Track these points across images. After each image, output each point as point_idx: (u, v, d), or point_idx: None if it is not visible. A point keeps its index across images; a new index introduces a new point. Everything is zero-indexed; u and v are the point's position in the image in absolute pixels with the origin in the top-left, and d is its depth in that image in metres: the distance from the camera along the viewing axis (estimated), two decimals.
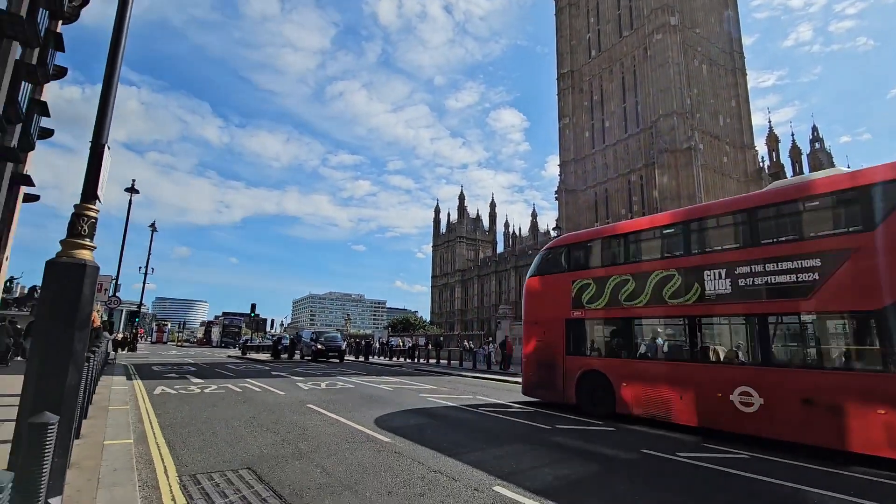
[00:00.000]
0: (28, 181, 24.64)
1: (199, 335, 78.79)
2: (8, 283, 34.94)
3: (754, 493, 5.06)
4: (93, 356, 6.53)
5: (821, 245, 7.10)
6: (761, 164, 53.40)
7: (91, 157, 3.96)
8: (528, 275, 12.22)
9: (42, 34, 21.69)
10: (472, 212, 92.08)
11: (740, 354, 8.02)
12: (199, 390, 12.06)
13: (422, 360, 30.45)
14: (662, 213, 10.86)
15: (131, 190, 22.12)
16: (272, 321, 68.84)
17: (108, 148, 4.04)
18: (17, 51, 19.28)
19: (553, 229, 35.82)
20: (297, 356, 30.25)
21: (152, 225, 35.72)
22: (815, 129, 72.42)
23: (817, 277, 6.90)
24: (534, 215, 79.46)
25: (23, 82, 20.17)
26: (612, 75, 50.32)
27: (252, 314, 42.54)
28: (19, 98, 19.81)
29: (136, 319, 41.45)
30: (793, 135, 70.89)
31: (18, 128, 21.20)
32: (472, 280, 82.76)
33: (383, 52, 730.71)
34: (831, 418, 6.49)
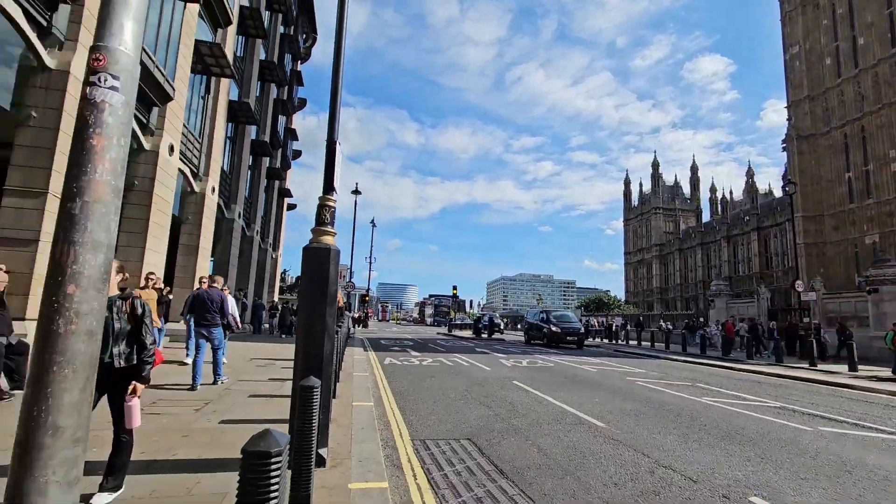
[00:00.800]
0: (288, 194, 31.71)
1: (415, 314, 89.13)
2: (283, 274, 45.34)
3: None
4: (339, 329, 7.85)
5: None
6: None
7: (327, 155, 4.54)
8: None
9: (288, 75, 27.40)
10: (667, 179, 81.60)
11: None
12: (417, 362, 13.52)
13: (620, 342, 28.40)
14: None
15: (356, 192, 26.24)
16: (470, 302, 74.39)
17: (339, 144, 4.56)
18: (273, 91, 24.71)
19: (783, 186, 28.54)
20: (496, 335, 31.68)
21: (372, 221, 41.65)
22: None
23: None
24: (749, 174, 66.06)
25: (279, 115, 25.76)
26: None
27: (453, 296, 46.35)
28: (278, 128, 25.38)
29: (366, 301, 49.87)
30: None
31: (279, 152, 27.14)
32: (671, 255, 73.67)
33: (559, 26, 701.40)
34: None
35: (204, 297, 7.66)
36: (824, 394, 10.56)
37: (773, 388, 10.92)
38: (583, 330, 23.77)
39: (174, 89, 11.38)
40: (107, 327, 3.23)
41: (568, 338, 21.85)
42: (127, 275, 3.87)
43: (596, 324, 38.78)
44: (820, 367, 15.24)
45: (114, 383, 3.35)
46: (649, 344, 26.60)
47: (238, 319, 9.82)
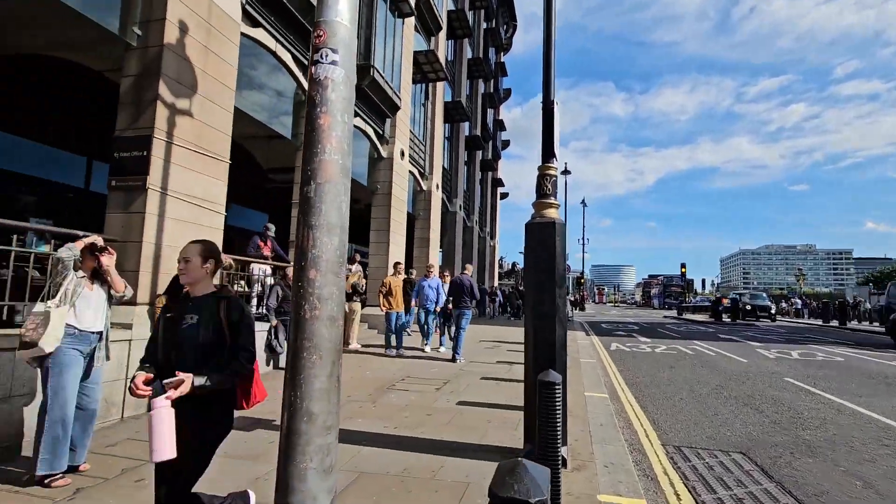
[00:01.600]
0: (501, 183, 32.84)
1: (637, 296, 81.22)
2: (500, 261, 47.48)
3: None
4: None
5: None
6: None
7: (544, 118, 4.04)
8: None
9: (493, 68, 28.17)
10: None
11: None
12: (649, 349, 11.97)
13: None
14: None
15: (565, 172, 25.26)
16: (702, 281, 63.71)
17: (557, 104, 4.01)
18: (481, 86, 25.72)
19: None
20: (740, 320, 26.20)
21: (583, 201, 39.78)
22: None
23: None
24: None
25: (487, 109, 26.71)
26: None
27: (682, 275, 40.54)
28: (487, 121, 26.34)
29: (581, 284, 48.21)
30: None
31: (490, 144, 28.20)
32: None
33: None
34: None
35: (460, 283, 9.01)
36: None
37: None
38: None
39: (400, 99, 12.73)
40: None
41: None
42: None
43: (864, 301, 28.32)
44: None
45: None
46: None
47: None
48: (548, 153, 4.06)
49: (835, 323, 24.24)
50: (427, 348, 9.41)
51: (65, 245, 3.45)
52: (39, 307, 3.31)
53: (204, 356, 2.15)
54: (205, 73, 5.93)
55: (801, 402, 6.26)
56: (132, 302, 5.02)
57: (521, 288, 29.51)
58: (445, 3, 17.40)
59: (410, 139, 14.98)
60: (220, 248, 6.69)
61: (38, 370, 3.33)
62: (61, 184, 9.05)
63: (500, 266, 45.12)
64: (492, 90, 27.76)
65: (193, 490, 2.18)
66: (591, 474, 3.55)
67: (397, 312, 9.14)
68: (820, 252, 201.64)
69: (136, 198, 5.17)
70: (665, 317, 32.53)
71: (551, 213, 3.95)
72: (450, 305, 9.11)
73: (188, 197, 5.67)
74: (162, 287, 5.20)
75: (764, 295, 31.67)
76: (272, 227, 8.35)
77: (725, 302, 27.38)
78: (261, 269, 7.97)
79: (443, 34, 17.52)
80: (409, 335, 11.11)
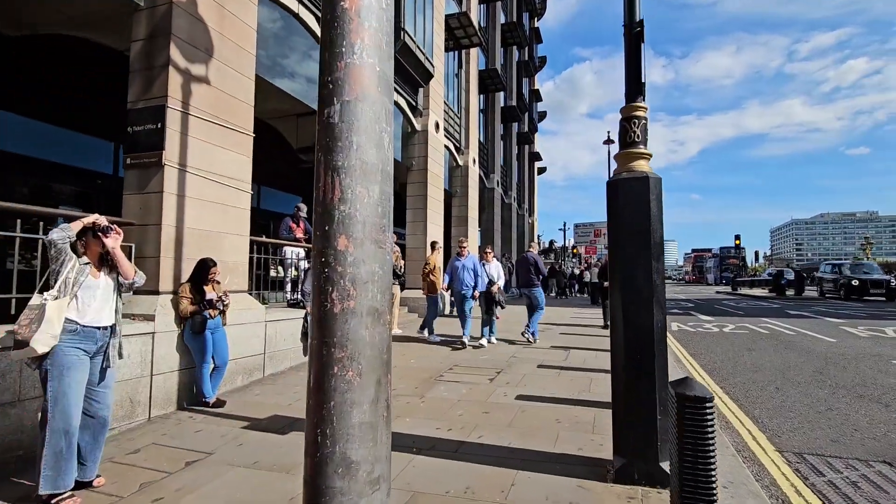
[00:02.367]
0: (538, 157, 31.43)
1: (687, 270, 74.57)
2: (538, 239, 46.17)
3: None
4: None
5: None
6: None
7: (628, 45, 3.17)
8: None
9: (528, 33, 26.59)
10: None
11: None
12: (716, 329, 10.86)
13: None
14: None
15: (608, 142, 23.70)
16: (755, 253, 59.63)
17: (643, 25, 3.11)
18: (515, 54, 24.32)
19: None
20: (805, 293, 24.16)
21: None
22: None
23: None
24: None
25: (523, 78, 25.30)
26: None
27: (736, 247, 38.10)
28: (523, 91, 24.98)
29: None
30: None
31: (525, 116, 26.85)
32: None
33: None
34: None
35: (524, 260, 8.51)
36: None
37: None
38: None
39: (434, 67, 11.86)
40: None
41: None
42: None
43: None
44: None
45: None
46: None
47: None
48: (634, 89, 3.18)
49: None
50: (465, 339, 7.69)
51: (58, 226, 2.92)
52: (36, 299, 2.81)
53: None
54: (221, 35, 5.31)
55: None
56: (155, 290, 4.57)
57: (567, 267, 28.45)
58: None
59: (445, 111, 14.12)
60: (249, 230, 6.22)
61: (38, 373, 2.85)
62: (90, 170, 8.84)
63: (539, 244, 43.80)
64: (526, 58, 26.25)
65: None
66: None
67: (440, 294, 8.51)
68: (883, 218, 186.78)
69: (153, 176, 4.66)
70: (718, 292, 30.69)
71: (641, 165, 3.11)
72: (496, 287, 7.89)
73: (209, 174, 5.13)
74: (186, 274, 4.72)
75: (874, 265, 24.72)
76: (304, 208, 7.81)
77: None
78: (294, 253, 7.46)
79: None
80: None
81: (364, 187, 1.24)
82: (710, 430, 1.74)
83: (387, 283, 1.36)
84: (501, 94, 21.21)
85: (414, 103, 11.82)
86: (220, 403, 4.61)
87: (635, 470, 2.91)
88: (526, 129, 26.68)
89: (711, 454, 1.76)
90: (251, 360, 5.66)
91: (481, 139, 18.97)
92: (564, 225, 41.50)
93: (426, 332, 8.43)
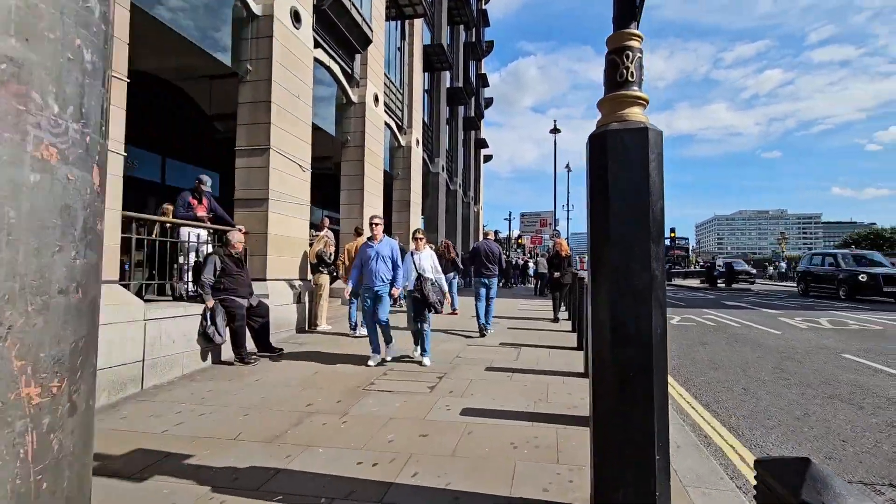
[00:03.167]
0: (484, 144, 30.83)
1: None
2: (484, 229, 45.89)
3: None
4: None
5: None
6: None
7: None
8: None
9: (475, 14, 25.70)
10: None
11: None
12: None
13: None
14: None
15: (555, 130, 23.50)
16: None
17: None
18: (462, 35, 23.37)
19: None
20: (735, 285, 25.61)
21: (567, 166, 38.23)
22: None
23: None
24: None
25: (469, 61, 24.44)
26: None
27: (672, 239, 40.01)
28: (470, 74, 24.13)
29: None
30: None
31: (472, 101, 26.07)
32: None
33: None
34: None
35: (483, 249, 7.91)
36: None
37: None
38: None
39: (373, 32, 10.65)
40: None
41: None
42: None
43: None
44: None
45: None
46: None
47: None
48: (627, 12, 2.34)
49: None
50: (389, 357, 5.73)
51: None
52: None
53: None
54: None
55: (893, 390, 4.94)
56: None
57: (512, 258, 28.20)
58: None
59: (386, 85, 12.93)
60: (121, 203, 4.86)
61: None
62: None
63: (485, 235, 43.48)
64: (473, 40, 25.39)
65: None
66: None
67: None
68: (791, 216, 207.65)
69: None
70: None
71: (636, 114, 2.27)
72: (430, 284, 5.62)
73: None
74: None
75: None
76: (207, 181, 6.45)
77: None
78: (194, 235, 6.13)
79: None
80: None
81: None
82: None
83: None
84: (447, 74, 20.23)
85: (350, 71, 10.56)
86: None
87: None
88: (472, 114, 25.92)
89: None
90: (122, 370, 4.38)
91: (426, 120, 17.93)
92: (510, 215, 41.46)
93: (351, 327, 7.46)
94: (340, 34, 9.58)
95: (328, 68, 9.74)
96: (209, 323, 5.45)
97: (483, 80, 30.35)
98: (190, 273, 6.16)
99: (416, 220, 15.46)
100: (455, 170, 22.53)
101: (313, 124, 9.87)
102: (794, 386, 5.07)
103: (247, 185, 7.12)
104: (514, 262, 25.66)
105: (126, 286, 4.89)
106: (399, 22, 14.33)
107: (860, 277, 15.32)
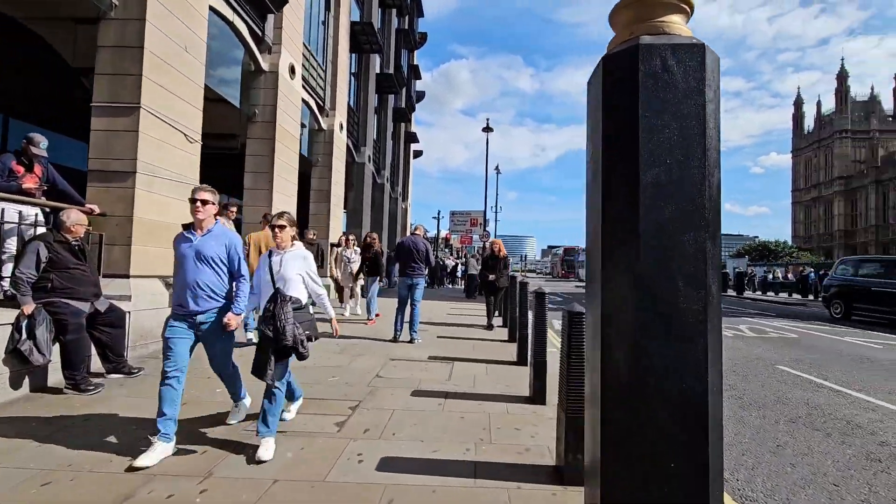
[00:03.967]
0: (415, 138, 29.79)
1: (558, 267, 61.15)
2: (411, 225, 44.88)
3: None
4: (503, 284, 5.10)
5: None
6: None
7: None
8: None
9: (409, 1, 24.55)
10: (858, 93, 63.84)
11: None
12: None
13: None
14: None
15: (487, 129, 23.04)
16: None
17: None
18: (395, 21, 22.13)
19: None
20: None
21: (497, 168, 38.44)
22: None
23: None
24: None
25: (402, 49, 23.25)
26: None
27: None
28: (401, 63, 22.94)
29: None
30: None
31: (403, 92, 24.92)
32: (862, 189, 57.74)
33: None
34: None
35: (409, 245, 6.99)
36: None
37: None
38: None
39: None
40: None
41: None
42: None
43: (780, 276, 31.39)
44: None
45: None
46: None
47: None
48: None
49: (732, 293, 25.72)
50: (234, 420, 3.53)
51: None
52: None
53: None
54: None
55: (846, 408, 4.65)
56: None
57: (440, 258, 27.41)
58: None
59: (305, 58, 11.41)
60: None
61: None
62: None
63: (413, 230, 42.48)
64: (407, 27, 24.22)
65: None
66: None
67: None
68: None
69: None
70: (577, 287, 32.69)
71: (676, 25, 1.38)
72: (296, 307, 3.20)
73: None
74: None
75: None
76: (42, 142, 4.74)
77: None
78: (12, 212, 4.45)
79: None
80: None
81: None
82: None
83: None
84: (377, 59, 18.91)
85: (260, 34, 8.99)
86: None
87: None
88: (403, 105, 24.74)
89: None
90: None
91: (352, 105, 16.49)
92: (439, 214, 40.63)
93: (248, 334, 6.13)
94: None
95: (231, 24, 8.12)
96: (24, 336, 3.86)
97: (416, 73, 29.27)
98: (7, 266, 4.48)
99: (338, 213, 14.03)
100: (383, 162, 21.24)
101: (214, 93, 8.24)
102: (754, 410, 4.60)
103: (105, 152, 5.46)
104: (442, 263, 24.94)
105: None
106: None
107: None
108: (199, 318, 3.09)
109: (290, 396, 3.61)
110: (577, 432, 2.62)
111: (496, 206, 37.74)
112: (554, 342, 7.15)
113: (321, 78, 12.84)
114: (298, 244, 3.58)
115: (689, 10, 1.44)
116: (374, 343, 6.78)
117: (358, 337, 7.18)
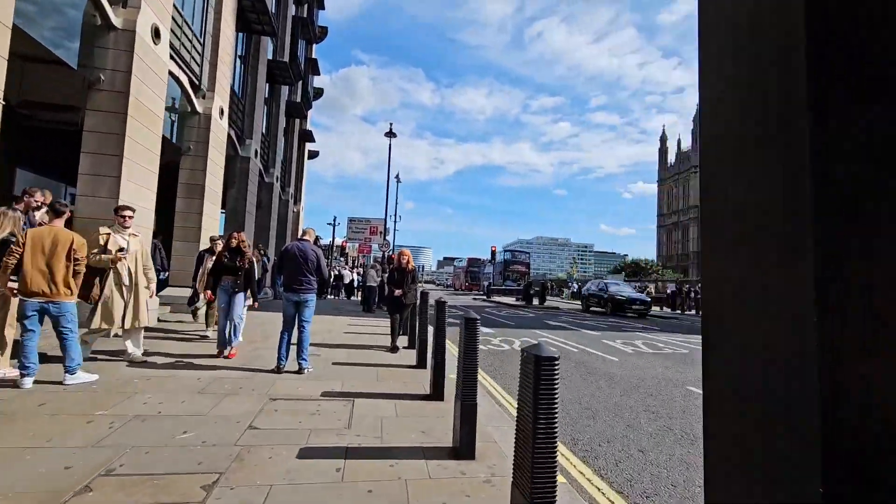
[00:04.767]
0: (310, 137, 27.68)
1: (461, 278, 57.12)
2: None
3: None
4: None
5: None
6: None
7: None
8: None
9: None
10: None
11: None
12: (506, 346, 9.70)
13: (689, 311, 24.83)
14: None
15: (390, 134, 22.11)
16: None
17: None
18: (292, 7, 20.28)
19: None
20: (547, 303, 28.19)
21: (397, 177, 37.72)
22: None
23: None
24: None
25: (299, 39, 21.40)
26: None
27: (493, 254, 42.61)
28: (298, 54, 21.07)
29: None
30: None
31: (299, 86, 22.97)
32: None
33: None
34: None
35: (295, 253, 5.69)
36: None
37: None
38: (648, 299, 23.38)
39: None
40: None
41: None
42: None
43: (653, 291, 35.00)
44: None
45: None
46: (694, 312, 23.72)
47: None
48: None
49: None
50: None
51: None
52: None
53: None
54: None
55: None
56: None
57: (335, 268, 25.50)
58: None
59: (174, 20, 9.45)
60: None
61: None
62: None
63: (302, 235, 39.68)
64: (305, 15, 22.40)
65: None
66: None
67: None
68: (573, 245, 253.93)
69: None
70: (475, 299, 32.71)
71: None
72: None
73: None
74: None
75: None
76: None
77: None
78: None
79: None
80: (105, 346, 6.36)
81: None
82: None
83: None
84: (270, 45, 16.98)
85: None
86: None
87: None
88: (299, 99, 22.76)
89: None
90: None
91: (236, 89, 14.41)
92: (335, 220, 38.40)
93: (73, 372, 4.41)
94: None
95: None
96: None
97: (314, 68, 27.31)
98: None
99: (214, 212, 11.91)
100: (273, 159, 19.09)
101: (47, 51, 6.22)
102: (685, 442, 4.24)
103: None
104: (339, 274, 23.22)
105: None
106: None
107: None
108: None
109: None
110: None
111: (395, 215, 36.82)
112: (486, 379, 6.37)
113: (196, 51, 10.82)
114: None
115: None
116: (250, 375, 5.35)
117: (228, 367, 5.67)
